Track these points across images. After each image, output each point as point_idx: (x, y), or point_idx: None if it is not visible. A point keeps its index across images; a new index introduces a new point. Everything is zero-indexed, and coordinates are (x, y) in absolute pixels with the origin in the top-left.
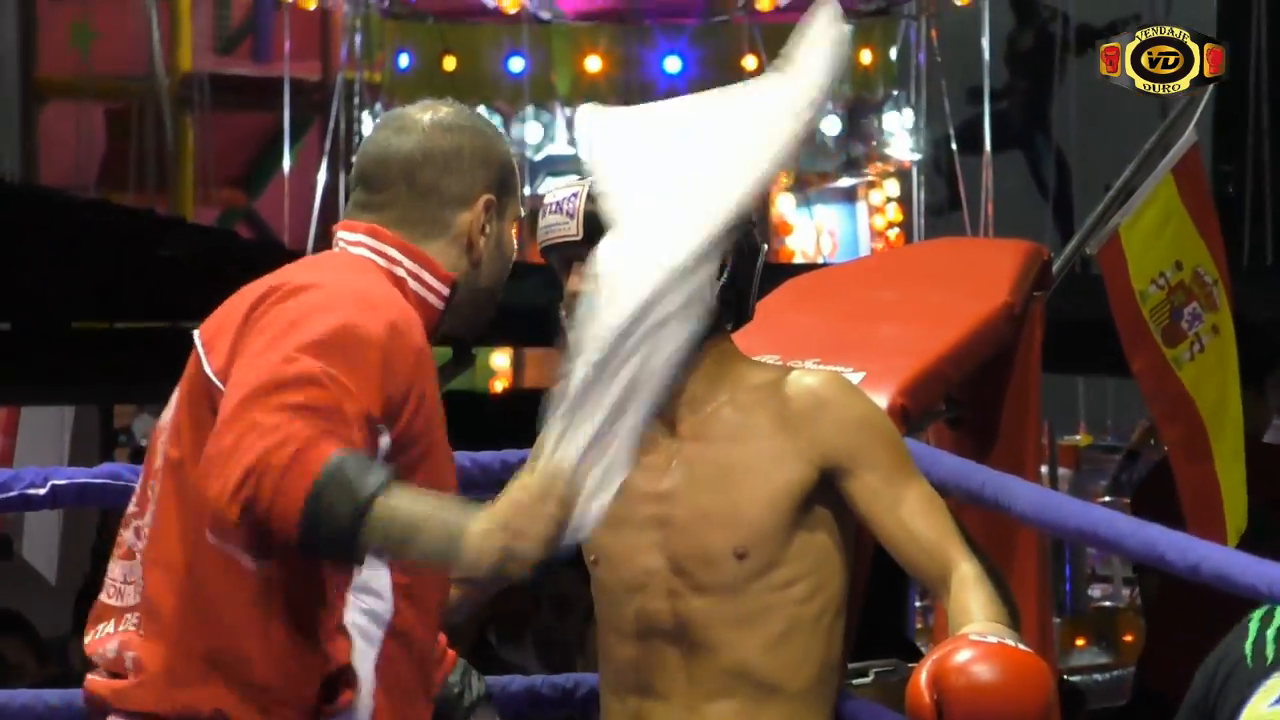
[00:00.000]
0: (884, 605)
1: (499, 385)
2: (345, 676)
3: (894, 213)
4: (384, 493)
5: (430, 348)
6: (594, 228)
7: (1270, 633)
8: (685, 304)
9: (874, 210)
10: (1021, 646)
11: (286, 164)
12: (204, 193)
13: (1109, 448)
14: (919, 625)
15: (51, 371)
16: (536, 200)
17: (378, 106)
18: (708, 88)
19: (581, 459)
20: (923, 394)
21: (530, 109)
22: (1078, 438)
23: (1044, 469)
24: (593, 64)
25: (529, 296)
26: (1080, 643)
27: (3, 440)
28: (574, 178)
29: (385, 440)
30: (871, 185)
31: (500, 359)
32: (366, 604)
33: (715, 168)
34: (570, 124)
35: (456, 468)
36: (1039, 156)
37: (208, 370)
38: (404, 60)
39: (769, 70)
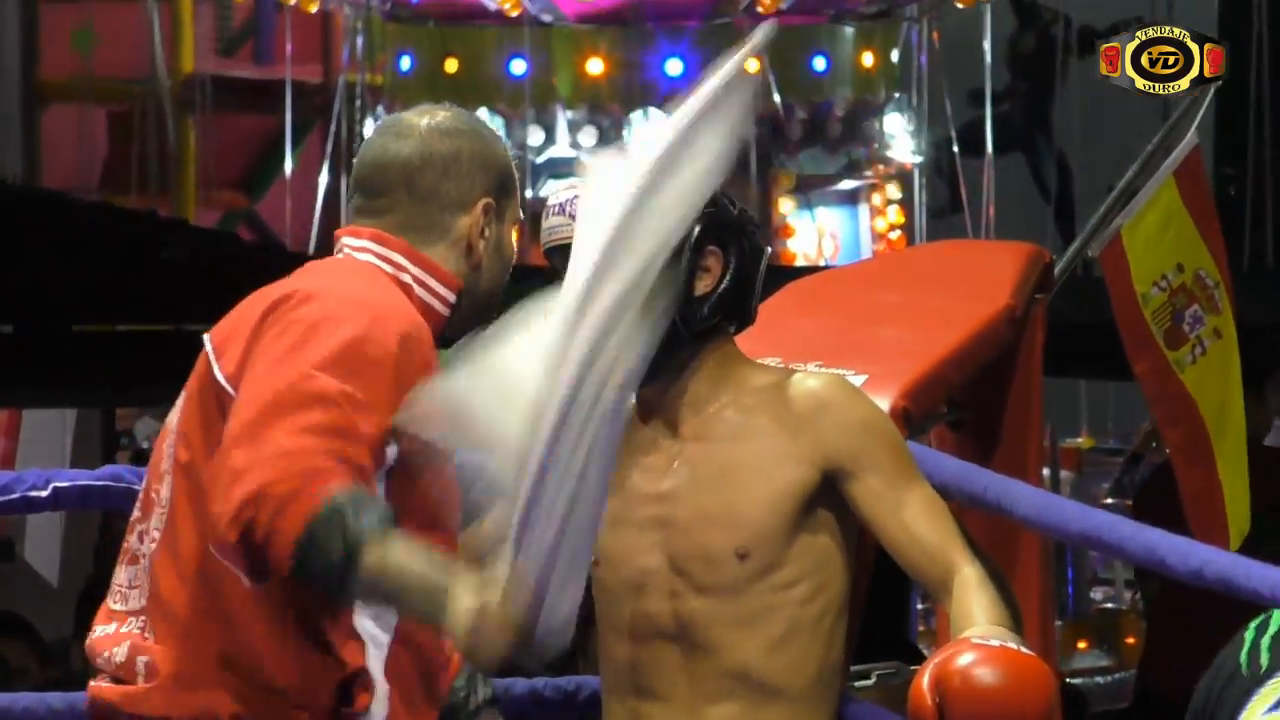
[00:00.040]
0: (886, 608)
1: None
2: (361, 679)
3: (895, 215)
4: (378, 541)
5: (436, 354)
6: None
7: (1265, 640)
8: (612, 385)
9: (876, 213)
10: (1023, 649)
11: (288, 166)
12: (206, 195)
13: (1111, 450)
14: (921, 628)
15: (53, 374)
16: (539, 203)
17: (379, 109)
18: None
19: (538, 575)
20: (925, 397)
21: (532, 111)
22: (1080, 440)
23: (1046, 471)
24: (594, 66)
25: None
26: (1082, 645)
27: (4, 443)
28: (576, 179)
29: (393, 451)
30: (873, 188)
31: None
32: (374, 609)
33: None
34: (572, 126)
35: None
36: (1041, 159)
37: (218, 375)
38: (405, 63)
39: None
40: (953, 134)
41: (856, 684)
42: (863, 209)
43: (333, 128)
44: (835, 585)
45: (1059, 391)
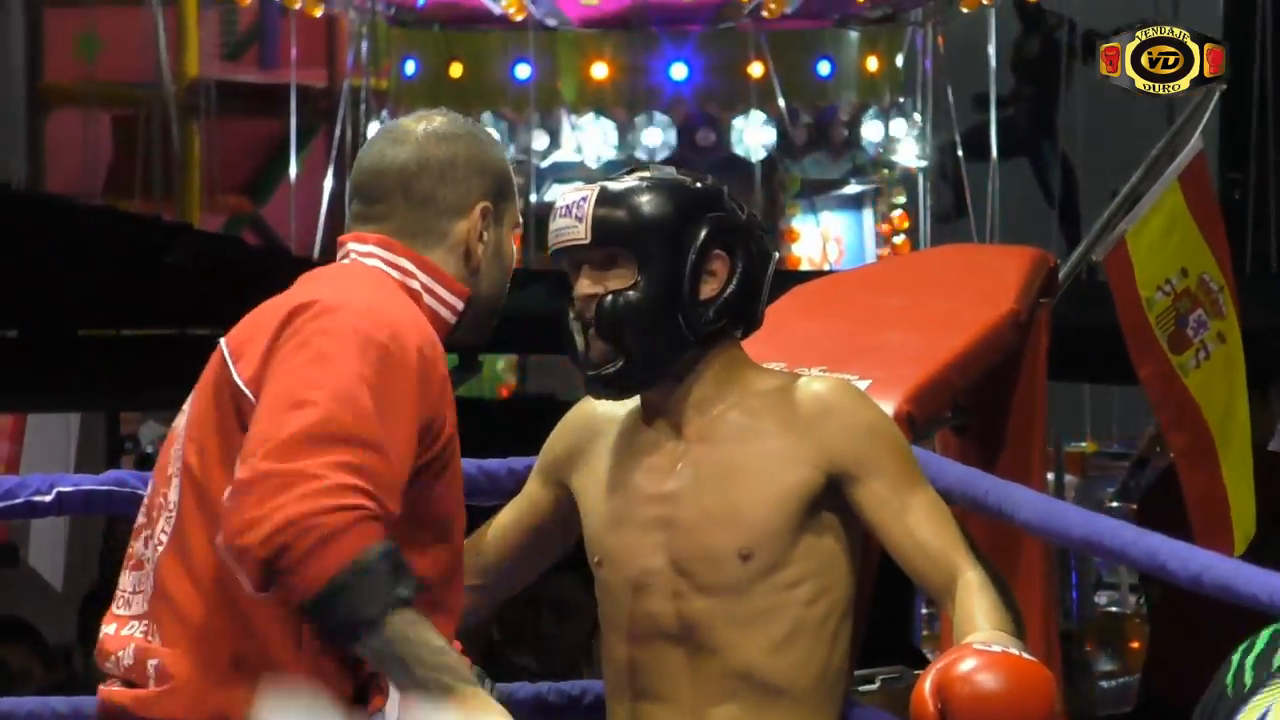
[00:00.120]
0: (890, 612)
1: (505, 392)
2: (376, 680)
3: (900, 219)
4: (405, 609)
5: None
6: (601, 231)
7: (1249, 660)
8: None
9: (880, 217)
10: (1025, 655)
11: (293, 171)
12: (210, 199)
13: (1115, 455)
14: (925, 632)
15: (58, 378)
16: (544, 207)
17: (384, 114)
18: (714, 94)
19: None
20: (929, 401)
21: (536, 116)
22: (1084, 445)
23: (1050, 476)
24: (599, 71)
25: (534, 304)
26: (1087, 649)
27: (9, 447)
28: (582, 183)
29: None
30: (878, 192)
31: (506, 366)
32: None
33: None
34: (576, 130)
35: (464, 476)
36: (1045, 163)
37: (237, 379)
38: (410, 67)
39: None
40: (957, 138)
41: (860, 688)
42: (867, 213)
43: (337, 132)
44: (839, 587)
45: (1063, 396)
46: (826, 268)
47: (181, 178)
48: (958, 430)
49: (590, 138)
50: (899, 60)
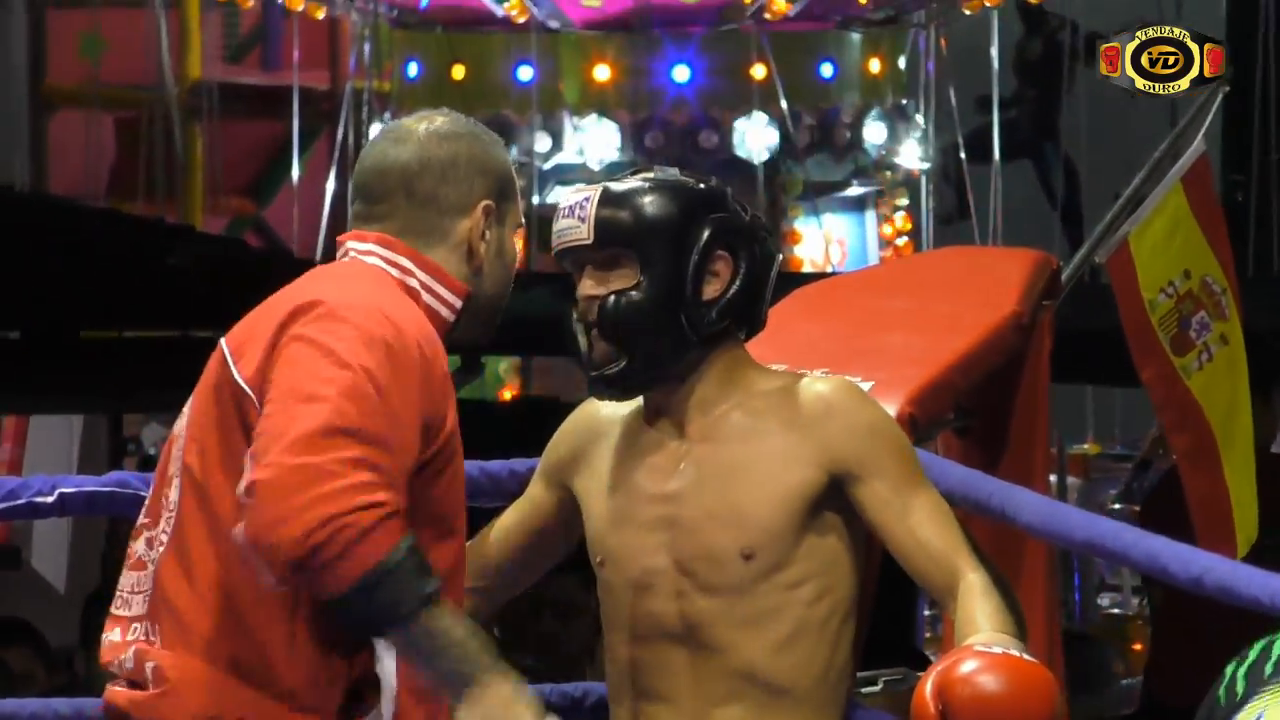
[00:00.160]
0: (893, 614)
1: (507, 394)
2: (370, 681)
3: (903, 221)
4: (435, 602)
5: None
6: (604, 231)
7: (1241, 671)
8: None
9: (883, 219)
10: (1026, 656)
11: (295, 173)
12: (213, 201)
13: (1118, 456)
14: (928, 634)
15: (60, 380)
16: (546, 210)
17: (387, 115)
18: (717, 96)
19: None
20: (931, 403)
21: (539, 118)
22: (1086, 447)
23: (1053, 478)
24: (601, 73)
25: (537, 306)
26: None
27: (12, 449)
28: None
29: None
30: (880, 194)
31: (508, 368)
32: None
33: None
34: (578, 132)
35: (466, 478)
36: (1048, 165)
37: (237, 377)
38: (413, 69)
39: (778, 79)
40: (960, 140)
41: (863, 690)
42: (870, 215)
43: (340, 134)
44: (842, 587)
45: (1066, 398)
46: (829, 270)
47: (184, 180)
48: (960, 432)
49: (592, 140)
50: (901, 62)
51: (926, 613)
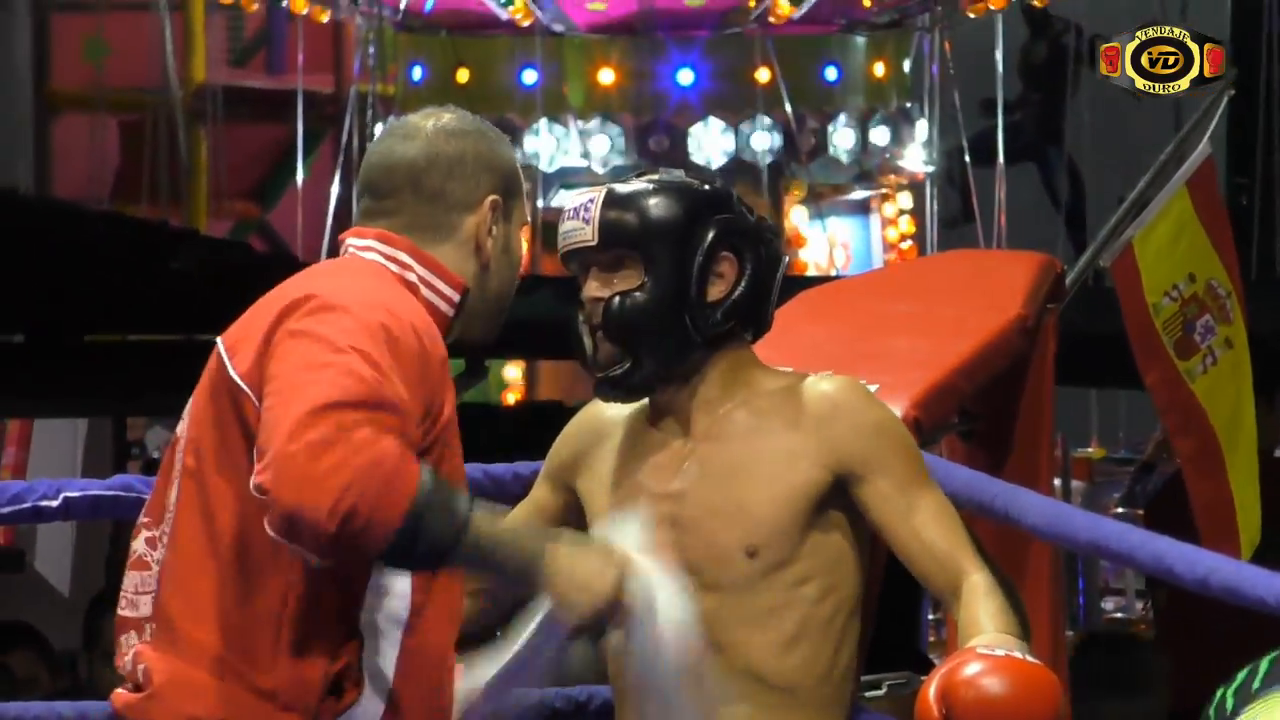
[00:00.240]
0: (897, 617)
1: (511, 398)
2: (350, 675)
3: (907, 225)
4: (474, 514)
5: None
6: (609, 233)
7: (1229, 691)
8: None
9: (887, 222)
10: (1030, 659)
11: (300, 176)
12: (217, 205)
13: (1122, 460)
14: (932, 638)
15: (64, 384)
16: (551, 213)
17: (391, 119)
18: (720, 100)
19: None
20: (936, 406)
21: (543, 121)
22: (1091, 450)
23: (1057, 481)
24: (605, 76)
25: (541, 309)
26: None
27: (16, 452)
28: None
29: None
30: (884, 197)
31: (513, 371)
32: (383, 604)
33: None
34: (583, 136)
35: (469, 480)
36: (1052, 169)
37: (233, 374)
38: (417, 73)
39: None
40: (964, 144)
41: (867, 694)
42: (874, 218)
43: (344, 138)
44: (847, 586)
45: (1070, 401)
46: (833, 273)
47: (188, 183)
48: (964, 436)
49: (597, 143)
50: (906, 66)
51: (930, 616)
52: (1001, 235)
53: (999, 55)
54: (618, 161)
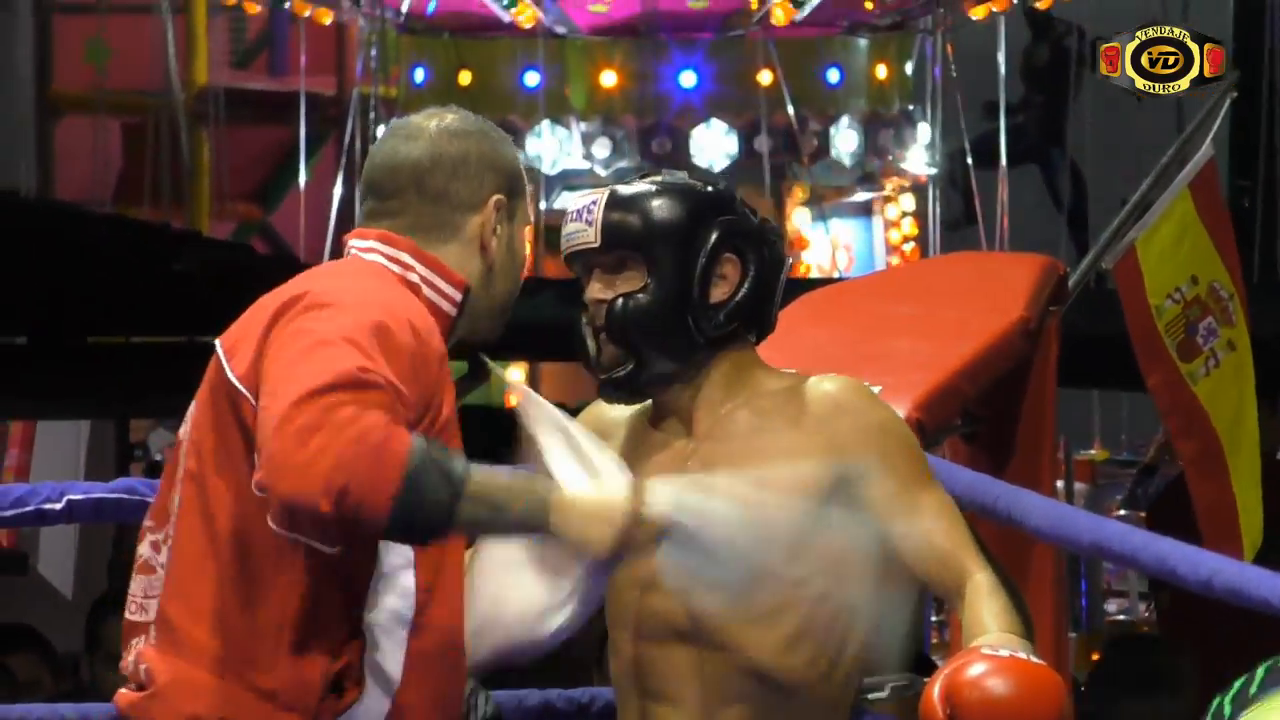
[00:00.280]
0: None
1: (514, 399)
2: (351, 674)
3: (910, 227)
4: (470, 472)
5: (447, 356)
6: (611, 234)
7: (1226, 699)
8: None
9: (890, 224)
10: (1034, 659)
11: (302, 178)
12: (220, 207)
13: (1125, 462)
14: (935, 640)
15: (67, 385)
16: (553, 215)
17: (393, 121)
18: (723, 102)
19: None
20: (938, 409)
21: (545, 123)
22: (1093, 452)
23: (1060, 483)
24: (608, 78)
25: (543, 311)
26: (1096, 657)
27: (19, 455)
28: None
29: None
30: (887, 199)
31: (515, 373)
32: (388, 603)
33: None
34: (585, 138)
35: None
36: (1055, 171)
37: (230, 376)
38: (420, 75)
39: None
40: (967, 146)
41: (870, 696)
42: (877, 221)
43: (347, 140)
44: (850, 586)
45: (1072, 403)
46: (836, 275)
47: (190, 185)
48: (967, 437)
49: (599, 145)
50: (909, 68)
51: (934, 619)
52: (1004, 237)
53: (1001, 58)
54: (620, 164)
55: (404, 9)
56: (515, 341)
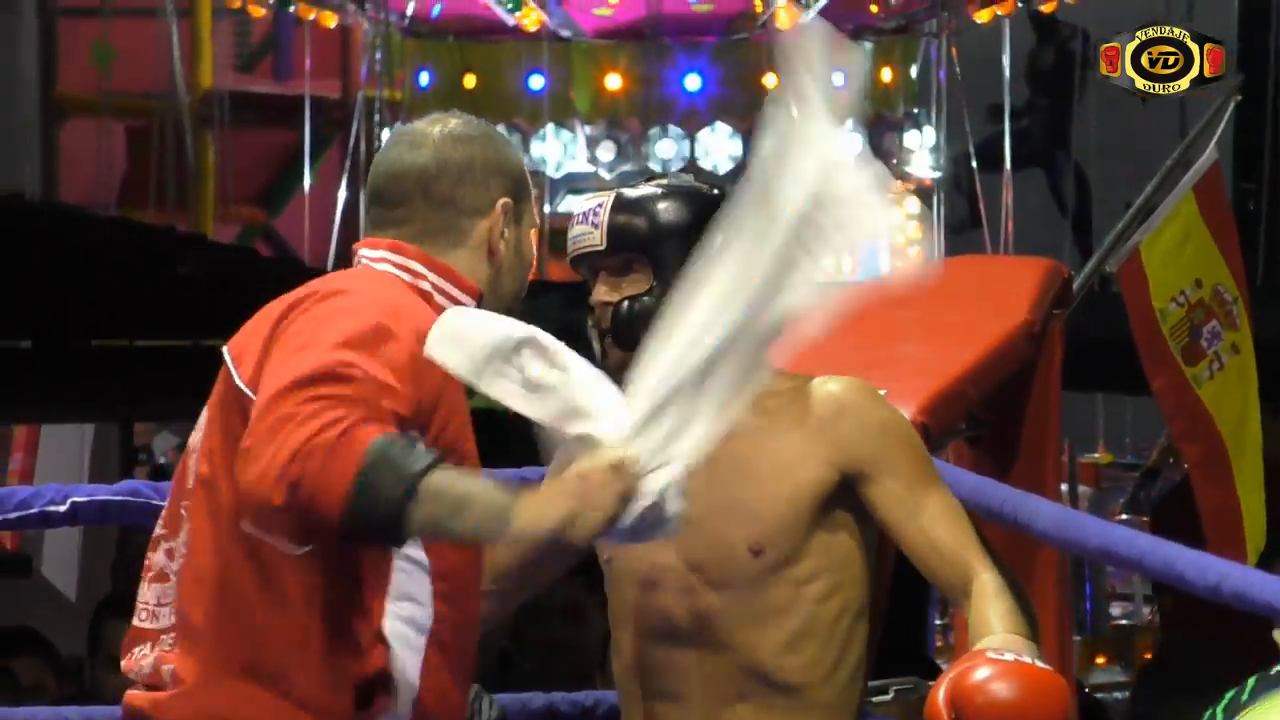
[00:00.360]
0: (904, 622)
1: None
2: (381, 683)
3: (914, 230)
4: (431, 471)
5: None
6: (617, 237)
7: (1219, 709)
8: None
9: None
10: (1039, 663)
11: (307, 182)
12: (224, 210)
13: (1129, 465)
14: (939, 643)
15: (71, 389)
16: (558, 218)
17: (398, 124)
18: (728, 105)
19: (645, 440)
20: (943, 412)
21: (550, 126)
22: (1097, 456)
23: (1064, 487)
24: (613, 82)
25: (549, 314)
26: (1100, 661)
27: (23, 458)
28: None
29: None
30: (891, 203)
31: None
32: (406, 611)
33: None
34: (590, 142)
35: None
36: (1059, 174)
37: (238, 381)
38: (424, 78)
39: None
40: (971, 149)
41: (874, 699)
42: None
43: (351, 143)
44: (854, 586)
45: (1076, 407)
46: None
47: (195, 188)
48: (972, 441)
49: (604, 148)
50: (913, 71)
51: (938, 622)
52: (1008, 241)
53: (1006, 61)
54: (625, 167)
55: (409, 12)
56: None
